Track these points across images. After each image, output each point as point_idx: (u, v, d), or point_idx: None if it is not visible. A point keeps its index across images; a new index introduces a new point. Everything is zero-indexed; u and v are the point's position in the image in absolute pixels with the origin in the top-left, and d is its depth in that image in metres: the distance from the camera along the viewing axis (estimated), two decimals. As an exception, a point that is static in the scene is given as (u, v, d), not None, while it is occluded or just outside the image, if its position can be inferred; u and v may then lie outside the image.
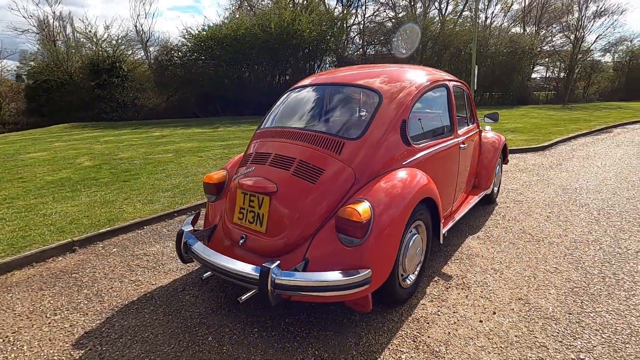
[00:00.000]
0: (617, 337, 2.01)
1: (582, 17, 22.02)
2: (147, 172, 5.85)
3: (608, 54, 25.75)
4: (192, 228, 2.36)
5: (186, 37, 17.21)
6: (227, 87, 17.29)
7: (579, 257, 2.93)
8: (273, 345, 2.01)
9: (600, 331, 2.06)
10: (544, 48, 24.29)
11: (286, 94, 2.87)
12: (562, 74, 25.19)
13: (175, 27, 52.86)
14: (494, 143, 3.87)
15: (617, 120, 11.71)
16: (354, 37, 22.18)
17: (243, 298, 1.95)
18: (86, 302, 2.47)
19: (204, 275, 2.27)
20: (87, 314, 2.34)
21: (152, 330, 2.16)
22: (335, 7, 21.78)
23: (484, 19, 25.15)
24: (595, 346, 1.94)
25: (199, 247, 2.20)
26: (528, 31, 24.95)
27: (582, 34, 22.35)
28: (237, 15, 19.03)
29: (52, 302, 2.47)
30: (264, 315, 2.27)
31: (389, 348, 1.97)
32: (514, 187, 4.89)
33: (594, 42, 24.14)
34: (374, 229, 1.90)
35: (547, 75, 26.61)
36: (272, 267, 1.80)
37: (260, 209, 2.15)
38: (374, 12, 22.73)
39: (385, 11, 22.62)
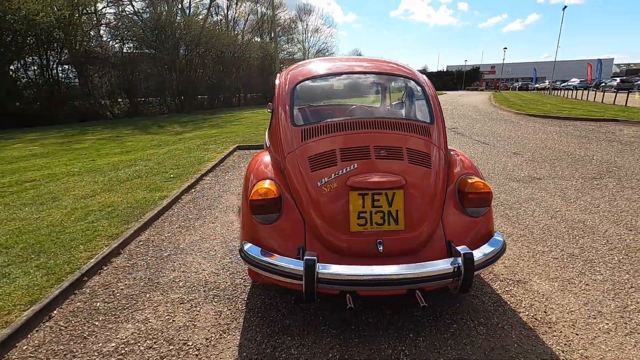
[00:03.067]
0: (550, 232, 3.24)
1: (305, 31, 27.86)
2: None
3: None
4: (315, 255, 1.78)
5: None
6: None
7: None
8: (449, 335, 1.95)
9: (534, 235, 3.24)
10: (282, 55, 28.95)
11: (303, 82, 2.49)
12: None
13: None
14: None
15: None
16: (88, 30, 18.38)
17: (425, 303, 1.79)
18: None
19: (350, 304, 1.80)
20: None
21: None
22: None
23: (225, 22, 26.92)
24: (552, 241, 3.07)
25: (345, 270, 1.74)
26: (265, 40, 28.84)
27: (308, 45, 28.24)
28: None
29: None
30: (390, 323, 2.08)
31: (495, 292, 2.35)
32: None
33: (316, 53, 30.97)
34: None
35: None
36: (472, 251, 1.76)
37: (391, 206, 1.94)
38: (108, 4, 19.70)
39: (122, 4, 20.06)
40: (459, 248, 1.80)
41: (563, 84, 41.08)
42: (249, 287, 2.47)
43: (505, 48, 53.41)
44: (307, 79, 2.53)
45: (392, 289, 1.81)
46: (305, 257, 1.72)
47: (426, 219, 1.97)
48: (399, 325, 2.05)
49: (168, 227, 3.56)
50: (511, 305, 2.21)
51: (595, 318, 2.07)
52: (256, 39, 28.20)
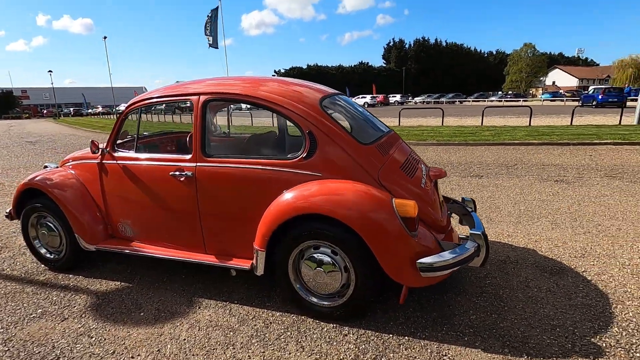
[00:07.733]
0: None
1: None
2: None
3: None
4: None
5: None
6: None
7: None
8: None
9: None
10: None
11: (328, 103, 2.47)
12: None
13: None
14: None
15: None
16: None
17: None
18: None
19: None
20: None
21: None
22: None
23: None
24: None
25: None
26: None
27: None
28: None
29: None
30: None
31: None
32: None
33: None
34: None
35: None
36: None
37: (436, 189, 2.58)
38: None
39: None
40: (462, 200, 2.84)
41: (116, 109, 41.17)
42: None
43: (51, 71, 52.06)
44: (326, 97, 2.48)
45: None
46: (481, 231, 2.17)
47: None
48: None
49: None
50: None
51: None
52: None
